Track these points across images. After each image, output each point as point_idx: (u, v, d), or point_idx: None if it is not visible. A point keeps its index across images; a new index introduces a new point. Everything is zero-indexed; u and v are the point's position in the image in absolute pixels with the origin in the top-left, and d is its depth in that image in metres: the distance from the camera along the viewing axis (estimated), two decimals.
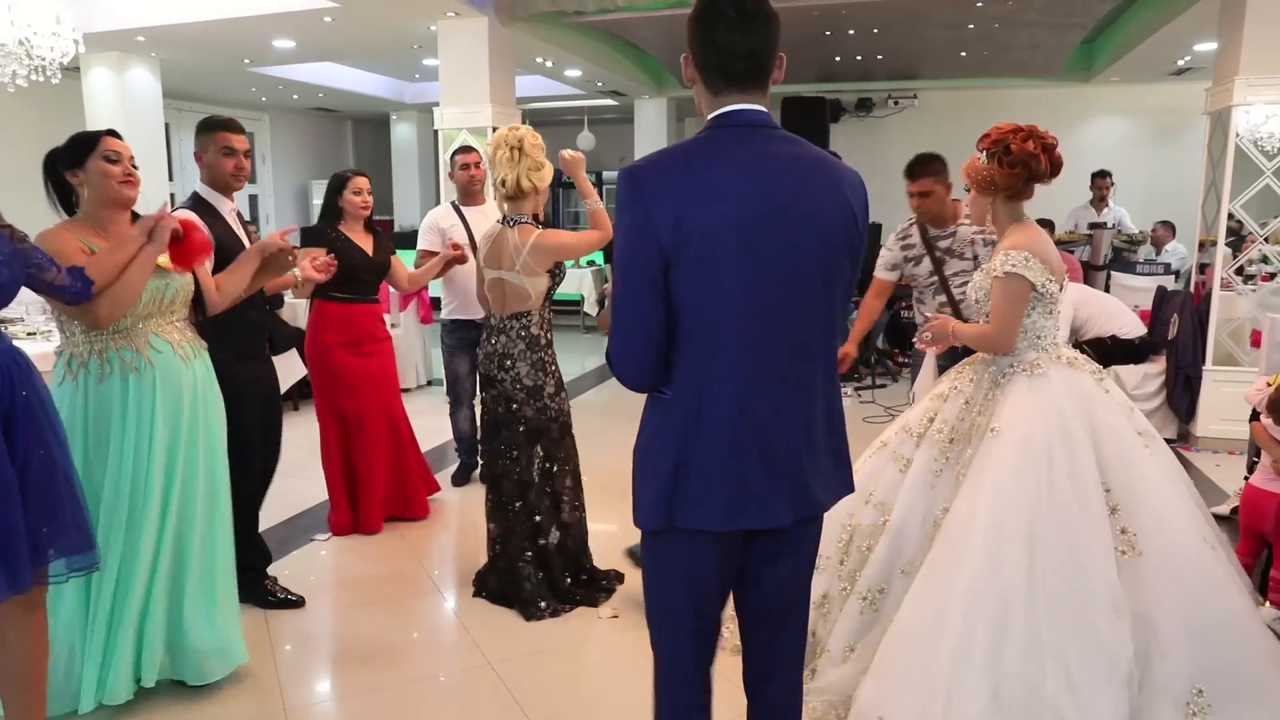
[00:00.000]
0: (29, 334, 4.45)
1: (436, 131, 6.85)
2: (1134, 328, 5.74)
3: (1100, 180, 7.92)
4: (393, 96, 11.39)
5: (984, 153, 2.61)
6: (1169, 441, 5.43)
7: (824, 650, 2.68)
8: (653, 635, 1.81)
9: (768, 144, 1.66)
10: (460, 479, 4.80)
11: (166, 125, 8.73)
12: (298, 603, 3.29)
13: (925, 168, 3.64)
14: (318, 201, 12.65)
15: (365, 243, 3.90)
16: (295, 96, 11.05)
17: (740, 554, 1.74)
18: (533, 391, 3.21)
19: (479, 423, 4.43)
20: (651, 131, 11.49)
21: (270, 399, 3.26)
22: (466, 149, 4.55)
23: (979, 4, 6.71)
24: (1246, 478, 3.91)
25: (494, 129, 6.64)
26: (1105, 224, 7.51)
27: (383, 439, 4.02)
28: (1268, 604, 3.09)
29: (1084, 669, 2.20)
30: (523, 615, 3.22)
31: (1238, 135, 5.19)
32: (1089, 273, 7.17)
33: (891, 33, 8.07)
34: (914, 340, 3.07)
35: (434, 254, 4.29)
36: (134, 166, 2.51)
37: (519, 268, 3.13)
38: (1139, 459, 2.44)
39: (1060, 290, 2.62)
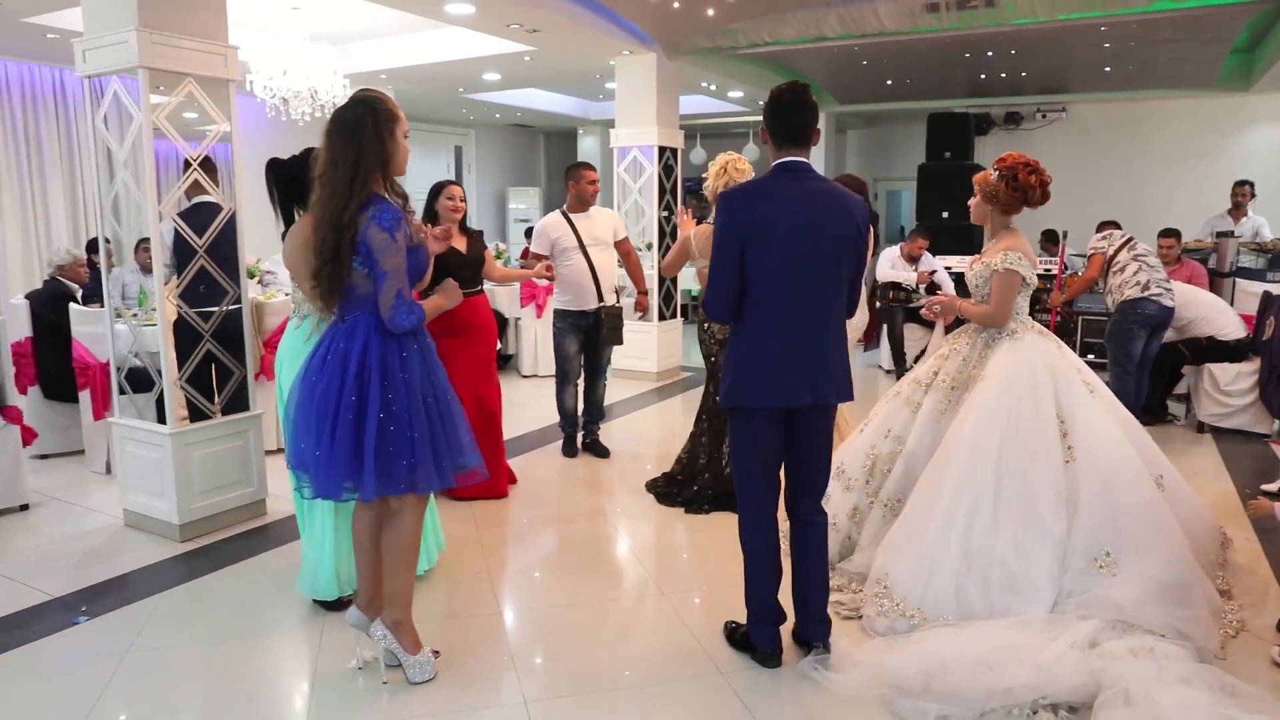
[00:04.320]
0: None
1: (613, 149, 8.16)
2: (1235, 330, 6.22)
3: (1239, 189, 8.12)
4: (579, 114, 12.93)
5: (997, 171, 3.48)
6: (1263, 436, 5.93)
7: (857, 546, 3.68)
8: (736, 484, 2.89)
9: (806, 181, 2.76)
10: (570, 450, 5.48)
11: None
12: None
13: None
14: (513, 206, 14.41)
15: (459, 243, 4.38)
16: (497, 115, 12.79)
17: (784, 426, 2.81)
18: None
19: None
20: None
21: None
22: (592, 167, 5.35)
23: (1103, 28, 7.25)
24: None
25: (659, 146, 7.90)
26: (1232, 233, 7.76)
27: (474, 418, 4.35)
28: None
29: (1027, 537, 3.11)
30: (687, 510, 4.47)
31: None
32: (1214, 279, 7.48)
33: (1030, 53, 8.63)
34: (921, 311, 3.98)
35: (541, 256, 5.09)
36: None
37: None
38: (1083, 398, 3.32)
39: (1036, 279, 3.51)
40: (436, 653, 2.94)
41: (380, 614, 2.85)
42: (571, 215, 5.19)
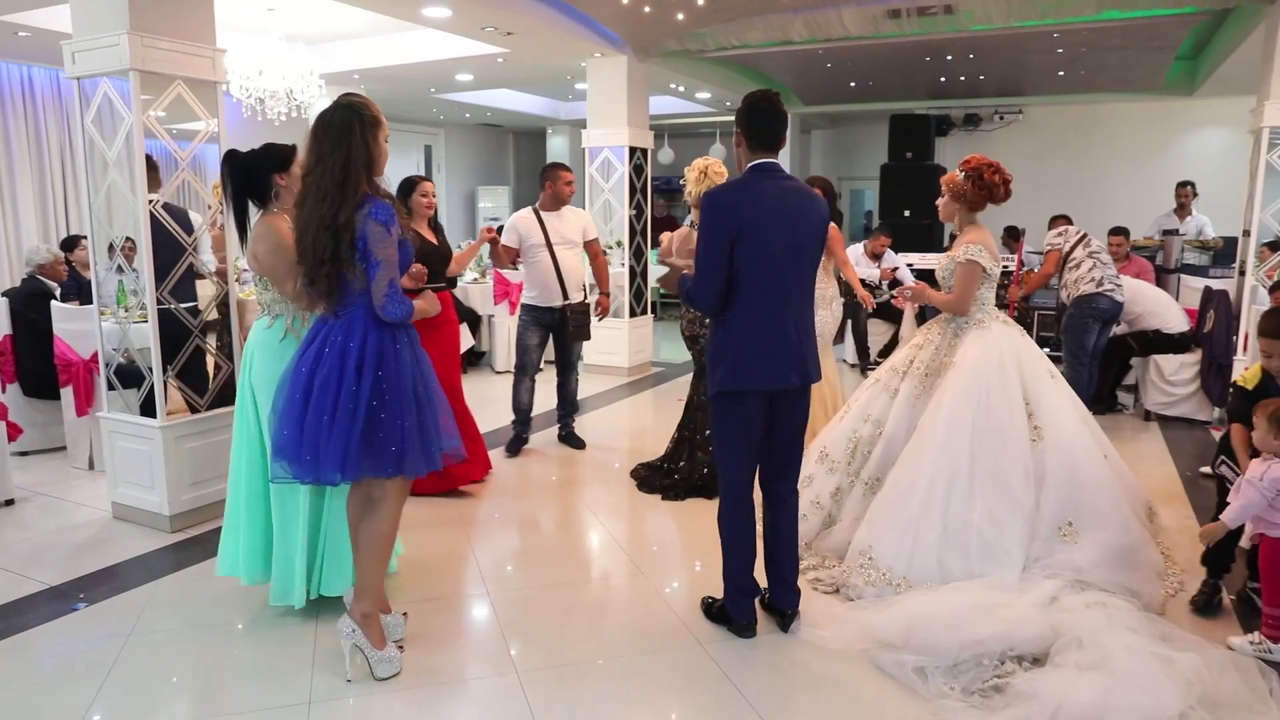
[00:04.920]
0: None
1: (585, 149, 8.33)
2: (1179, 324, 6.54)
3: (1182, 189, 8.50)
4: (549, 114, 13.06)
5: (964, 172, 3.74)
6: (1204, 423, 6.26)
7: (836, 521, 3.89)
8: (720, 467, 3.08)
9: (779, 181, 2.98)
10: (514, 449, 5.50)
11: None
12: None
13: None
14: (483, 205, 14.49)
15: (431, 237, 4.55)
16: (467, 115, 12.89)
17: (768, 408, 3.01)
18: None
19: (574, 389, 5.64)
20: None
21: None
22: (569, 169, 5.39)
23: (1055, 35, 7.56)
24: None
25: (630, 147, 8.07)
26: (1177, 231, 8.13)
27: (450, 405, 4.65)
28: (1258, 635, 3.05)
29: (1000, 509, 3.37)
30: (664, 497, 4.68)
31: (1266, 154, 5.92)
32: (1160, 275, 7.83)
33: (987, 58, 8.94)
34: (892, 298, 4.22)
35: (512, 249, 5.20)
36: None
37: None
38: (1046, 383, 3.61)
39: (999, 271, 3.75)
40: (405, 614, 3.09)
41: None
42: (543, 213, 5.29)
